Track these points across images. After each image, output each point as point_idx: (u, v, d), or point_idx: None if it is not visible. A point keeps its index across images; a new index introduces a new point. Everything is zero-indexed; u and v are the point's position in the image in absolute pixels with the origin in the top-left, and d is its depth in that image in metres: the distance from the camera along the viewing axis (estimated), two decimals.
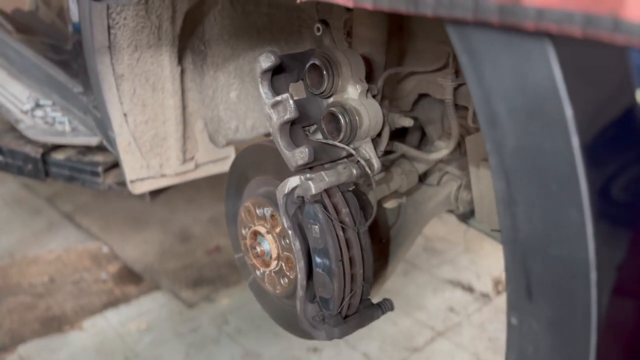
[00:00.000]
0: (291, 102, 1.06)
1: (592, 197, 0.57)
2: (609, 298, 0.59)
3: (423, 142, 1.68)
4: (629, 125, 0.54)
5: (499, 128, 0.61)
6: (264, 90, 1.10)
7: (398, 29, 1.43)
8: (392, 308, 1.25)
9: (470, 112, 1.37)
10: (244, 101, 1.90)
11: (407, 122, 1.34)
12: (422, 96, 1.54)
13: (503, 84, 0.60)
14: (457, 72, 1.33)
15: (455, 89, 1.35)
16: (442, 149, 1.42)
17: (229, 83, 1.84)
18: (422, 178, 1.69)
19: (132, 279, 2.94)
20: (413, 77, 1.47)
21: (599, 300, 0.59)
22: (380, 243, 1.56)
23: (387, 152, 1.64)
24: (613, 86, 0.54)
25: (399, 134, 1.62)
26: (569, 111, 0.56)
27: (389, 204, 1.60)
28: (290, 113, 1.07)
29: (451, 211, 1.68)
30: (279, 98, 1.08)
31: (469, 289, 2.90)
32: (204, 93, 1.81)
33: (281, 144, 1.11)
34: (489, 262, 3.09)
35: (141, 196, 1.88)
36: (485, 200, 1.47)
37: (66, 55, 1.87)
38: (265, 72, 1.09)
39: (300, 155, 1.08)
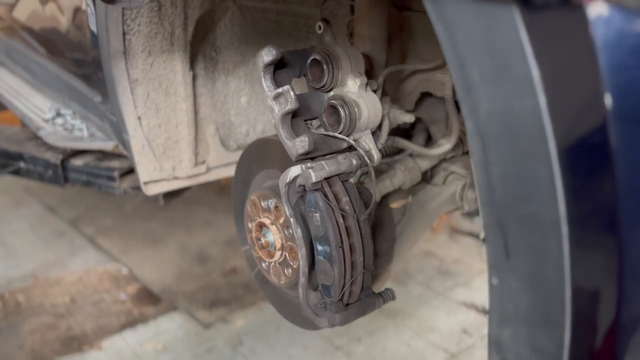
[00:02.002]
0: (292, 93, 1.11)
1: (560, 153, 0.60)
2: (581, 251, 0.62)
3: (429, 144, 1.71)
4: (593, 81, 0.57)
5: (473, 92, 0.65)
6: (266, 84, 1.16)
7: (399, 30, 1.48)
8: (393, 297, 1.27)
9: None
10: (254, 106, 1.96)
11: (408, 118, 1.37)
12: (424, 96, 1.58)
13: (475, 50, 0.64)
14: None
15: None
16: (444, 145, 1.45)
17: (240, 88, 1.90)
18: (428, 179, 1.72)
19: (150, 300, 3.01)
20: (415, 77, 1.52)
21: (571, 253, 0.62)
22: (385, 241, 1.59)
23: (394, 153, 1.69)
24: (576, 45, 0.57)
25: (405, 136, 1.66)
26: (535, 72, 0.59)
27: (395, 204, 1.64)
28: (291, 104, 1.11)
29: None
30: (280, 90, 1.12)
31: (483, 311, 2.88)
32: (216, 98, 1.88)
33: (282, 134, 1.15)
34: None
35: (156, 199, 1.94)
36: None
37: (87, 69, 1.96)
38: (267, 66, 1.14)
39: (300, 144, 1.12)
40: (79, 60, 2.04)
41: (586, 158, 0.59)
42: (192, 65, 1.76)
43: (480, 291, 3.05)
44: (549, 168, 0.60)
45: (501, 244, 0.67)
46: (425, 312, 2.88)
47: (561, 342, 0.65)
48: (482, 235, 3.46)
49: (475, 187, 1.59)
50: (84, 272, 3.26)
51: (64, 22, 2.05)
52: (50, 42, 2.27)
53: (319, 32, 1.25)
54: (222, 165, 1.96)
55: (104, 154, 2.18)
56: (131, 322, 2.81)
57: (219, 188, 4.40)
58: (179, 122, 1.79)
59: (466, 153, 1.68)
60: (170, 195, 1.99)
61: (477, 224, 3.68)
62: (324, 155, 1.20)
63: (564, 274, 0.63)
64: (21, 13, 2.47)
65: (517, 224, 0.65)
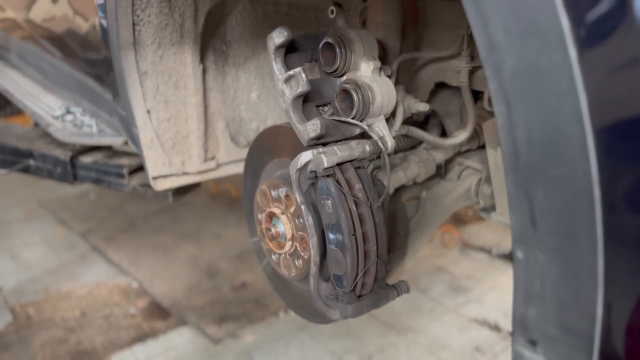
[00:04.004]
0: (303, 75, 1.08)
1: (592, 109, 0.56)
2: (616, 217, 0.57)
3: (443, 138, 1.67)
4: (628, 29, 0.53)
5: (497, 51, 0.61)
6: (277, 67, 1.12)
7: (413, 19, 1.45)
8: (407, 290, 1.22)
9: (486, 96, 1.36)
10: (264, 101, 1.93)
11: (423, 107, 1.33)
12: (439, 88, 1.55)
13: (499, 5, 0.60)
14: (473, 56, 1.34)
15: (471, 74, 1.35)
16: (460, 135, 1.41)
17: (250, 83, 1.88)
18: (442, 174, 1.68)
19: (160, 314, 2.99)
20: (429, 66, 1.48)
21: (604, 220, 0.58)
22: (398, 236, 1.54)
23: (407, 148, 1.65)
24: None
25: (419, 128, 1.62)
26: (565, 22, 0.55)
27: (408, 199, 1.59)
28: (302, 86, 1.08)
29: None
30: (291, 72, 1.09)
31: (496, 328, 2.83)
32: (226, 93, 1.85)
33: (294, 118, 1.12)
34: None
35: (165, 195, 1.91)
36: (505, 189, 1.45)
37: (99, 69, 1.94)
38: (278, 48, 1.11)
39: (312, 127, 1.09)
40: (92, 60, 2.03)
41: (621, 113, 0.55)
42: (202, 58, 1.74)
43: (492, 307, 3.00)
44: (580, 126, 0.56)
45: (527, 213, 0.63)
46: (436, 328, 2.82)
47: (593, 319, 0.61)
48: (494, 250, 3.38)
49: (491, 182, 1.54)
50: (94, 286, 3.25)
51: (84, 25, 2.04)
52: (66, 43, 2.26)
53: (331, 16, 1.22)
54: (231, 161, 1.93)
55: (113, 152, 2.16)
56: (141, 337, 2.79)
57: (229, 202, 4.39)
58: (189, 116, 1.76)
59: (482, 147, 1.63)
60: (179, 193, 1.96)
61: (489, 240, 3.62)
62: (337, 142, 1.17)
63: (596, 242, 0.58)
64: (37, 15, 2.48)
65: (544, 190, 0.61)
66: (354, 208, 1.11)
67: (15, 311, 2.99)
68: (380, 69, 1.19)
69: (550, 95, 0.58)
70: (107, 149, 2.18)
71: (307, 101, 1.16)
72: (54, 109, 2.27)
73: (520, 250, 0.65)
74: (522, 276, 0.66)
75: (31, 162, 2.17)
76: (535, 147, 0.60)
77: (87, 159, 2.11)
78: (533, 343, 0.67)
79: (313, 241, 1.14)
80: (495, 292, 3.14)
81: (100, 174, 2.07)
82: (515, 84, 0.61)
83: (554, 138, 0.59)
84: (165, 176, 1.80)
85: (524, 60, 0.59)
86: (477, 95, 1.44)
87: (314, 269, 1.15)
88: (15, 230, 3.96)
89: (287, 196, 1.24)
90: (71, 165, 2.10)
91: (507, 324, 2.84)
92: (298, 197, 1.14)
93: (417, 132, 1.39)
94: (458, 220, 3.93)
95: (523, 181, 0.62)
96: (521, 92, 0.60)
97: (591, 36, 0.55)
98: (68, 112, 2.21)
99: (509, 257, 3.47)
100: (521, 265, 0.66)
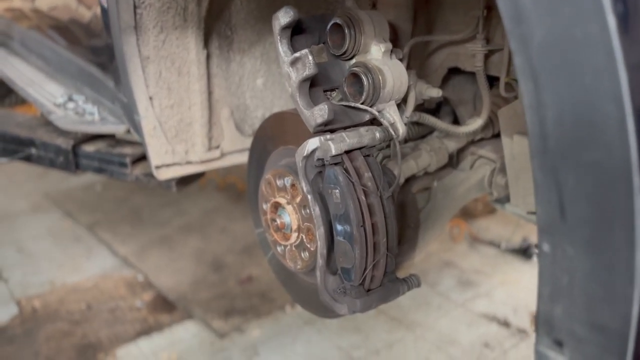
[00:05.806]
0: (310, 57, 1.02)
1: (633, 86, 0.50)
2: None
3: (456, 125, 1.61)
4: None
5: (524, 22, 0.55)
6: (282, 49, 1.07)
7: (425, 2, 1.39)
8: (418, 284, 1.17)
9: (501, 81, 1.30)
10: (270, 89, 1.87)
11: (436, 92, 1.28)
12: (452, 73, 1.49)
13: None
14: (488, 39, 1.28)
15: (486, 59, 1.29)
16: (474, 122, 1.35)
17: (256, 69, 1.82)
18: (455, 164, 1.62)
19: (165, 308, 2.96)
20: (442, 51, 1.42)
21: None
22: (408, 228, 1.49)
23: (418, 138, 1.59)
24: None
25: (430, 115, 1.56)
26: None
27: (419, 186, 1.54)
28: (309, 69, 1.03)
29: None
30: (297, 54, 1.04)
31: (505, 324, 2.78)
32: (230, 80, 1.80)
33: (300, 103, 1.06)
34: (526, 295, 2.98)
35: (168, 184, 1.86)
36: (521, 179, 1.39)
37: (102, 56, 1.89)
38: (284, 29, 1.06)
39: (319, 112, 1.03)
40: (94, 48, 1.99)
41: None
42: (206, 43, 1.68)
43: (502, 303, 2.95)
44: (619, 105, 0.50)
45: (555, 201, 0.57)
46: (445, 324, 2.77)
47: (627, 318, 0.55)
48: (503, 244, 3.33)
49: (505, 172, 1.48)
50: (100, 279, 3.23)
51: (87, 13, 1.99)
52: (70, 31, 2.22)
53: None
54: (236, 150, 1.87)
55: (116, 140, 2.11)
56: (146, 330, 2.76)
57: (236, 195, 4.36)
58: (192, 103, 1.71)
59: (496, 135, 1.57)
60: (183, 183, 1.91)
61: (498, 234, 3.56)
62: (345, 128, 1.11)
63: (634, 234, 0.52)
64: (43, 3, 2.44)
65: (576, 176, 0.55)
66: (363, 198, 1.06)
67: (20, 304, 2.97)
68: (392, 51, 1.13)
69: (585, 71, 0.52)
70: (110, 138, 2.13)
71: (314, 85, 1.11)
72: (56, 97, 2.23)
73: (547, 242, 0.59)
74: (549, 271, 0.60)
75: (33, 150, 2.13)
76: (567, 129, 0.55)
77: (89, 148, 2.07)
78: (559, 344, 0.61)
79: (320, 232, 1.09)
80: (505, 287, 3.09)
81: (103, 163, 2.03)
82: (544, 59, 0.55)
83: (588, 119, 0.53)
84: (168, 165, 1.76)
85: (555, 31, 0.53)
86: (491, 82, 1.38)
87: (320, 261, 1.10)
88: (21, 223, 3.94)
89: (293, 185, 1.19)
90: (73, 154, 2.06)
91: (516, 320, 2.79)
92: (304, 187, 1.09)
93: (429, 119, 1.33)
94: (467, 214, 3.88)
95: (552, 166, 0.57)
96: (551, 67, 0.54)
97: (633, 3, 0.49)
98: (70, 99, 2.16)
99: (518, 251, 3.42)
100: (548, 259, 0.60)
